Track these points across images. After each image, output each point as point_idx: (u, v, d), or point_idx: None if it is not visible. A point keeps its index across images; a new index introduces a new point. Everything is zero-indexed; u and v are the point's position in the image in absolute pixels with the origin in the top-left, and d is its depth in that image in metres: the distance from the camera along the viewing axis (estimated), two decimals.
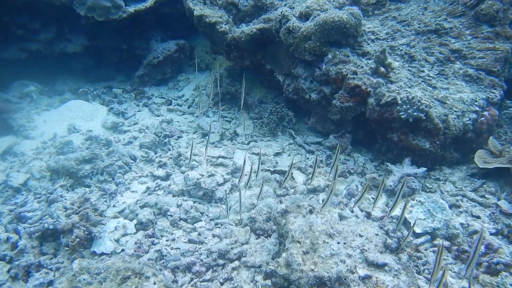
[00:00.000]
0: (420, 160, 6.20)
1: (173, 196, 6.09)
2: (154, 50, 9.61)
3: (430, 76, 6.59)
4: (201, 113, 8.51)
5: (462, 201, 5.72)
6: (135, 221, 5.57)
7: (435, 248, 5.00)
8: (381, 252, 4.31)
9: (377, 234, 4.52)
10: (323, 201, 5.76)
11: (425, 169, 6.08)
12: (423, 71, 6.64)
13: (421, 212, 5.30)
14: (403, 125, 6.07)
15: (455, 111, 6.15)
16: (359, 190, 5.99)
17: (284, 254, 4.19)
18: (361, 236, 4.41)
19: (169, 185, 6.28)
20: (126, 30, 9.58)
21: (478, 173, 6.17)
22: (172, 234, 5.41)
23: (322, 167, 6.74)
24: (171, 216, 5.65)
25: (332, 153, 6.94)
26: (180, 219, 5.63)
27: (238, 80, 8.46)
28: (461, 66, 6.71)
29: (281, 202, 5.65)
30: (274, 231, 5.23)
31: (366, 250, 4.00)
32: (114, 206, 6.00)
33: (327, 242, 4.12)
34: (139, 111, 8.78)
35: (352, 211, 5.63)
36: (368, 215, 5.48)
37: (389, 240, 4.74)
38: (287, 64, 7.32)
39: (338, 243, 4.12)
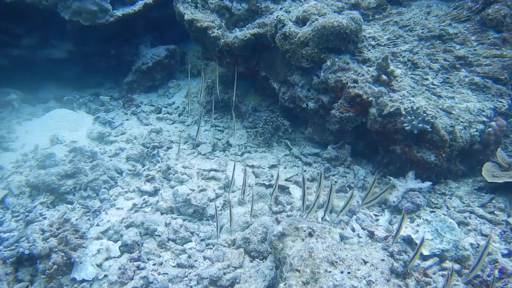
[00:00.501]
0: (425, 173, 5.84)
1: (161, 213, 5.68)
2: (143, 56, 9.20)
3: (434, 84, 6.23)
4: (192, 122, 8.10)
5: (470, 218, 5.35)
6: (119, 243, 5.14)
7: (445, 272, 4.62)
8: (388, 280, 3.92)
9: (383, 260, 4.13)
10: (322, 219, 5.37)
11: (430, 183, 5.72)
12: (427, 79, 6.28)
13: (428, 231, 4.92)
14: (407, 137, 5.70)
15: (462, 122, 5.79)
16: (361, 206, 5.60)
17: (282, 285, 3.79)
18: (365, 262, 4.01)
19: (157, 201, 5.86)
20: (114, 35, 9.17)
21: (485, 187, 5.81)
22: (160, 256, 5.00)
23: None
24: (159, 236, 5.24)
25: (331, 165, 6.55)
26: (169, 239, 5.22)
27: (232, 87, 8.05)
28: (466, 74, 6.35)
29: (277, 221, 5.26)
30: (270, 253, 4.83)
31: (373, 282, 3.61)
32: (97, 225, 5.58)
33: (330, 271, 3.72)
34: (127, 119, 8.36)
35: (353, 230, 5.25)
36: (371, 235, 5.09)
37: (395, 264, 4.35)
38: (283, 71, 6.93)
39: (342, 272, 3.72)
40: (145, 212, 5.76)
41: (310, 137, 7.08)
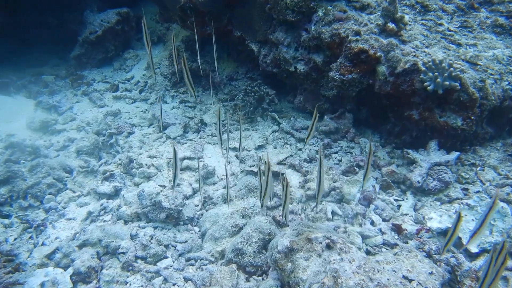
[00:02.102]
0: (448, 142, 4.74)
1: (125, 222, 4.42)
2: (90, 23, 7.68)
3: (451, 30, 5.05)
4: (156, 99, 6.74)
5: None
6: (70, 270, 3.87)
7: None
8: None
9: (431, 273, 3.02)
10: (332, 213, 4.21)
11: (458, 153, 4.65)
12: (441, 24, 5.09)
13: (473, 220, 3.82)
14: (426, 99, 4.55)
15: (491, 75, 4.65)
16: (378, 191, 4.46)
17: None
18: (410, 280, 2.89)
19: (119, 206, 4.59)
20: (53, 0, 7.59)
21: None
22: (126, 284, 3.77)
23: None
24: (124, 254, 4.00)
25: (330, 140, 5.36)
26: (137, 258, 3.99)
27: (200, 53, 6.67)
28: (488, 14, 5.20)
29: (275, 220, 4.08)
30: (270, 267, 3.68)
31: None
32: (43, 244, 4.29)
33: None
34: (77, 102, 6.92)
35: (372, 224, 4.11)
36: (398, 230, 3.96)
37: (438, 269, 3.25)
38: (262, 28, 5.62)
39: None
40: (104, 221, 4.49)
41: (301, 107, 5.86)
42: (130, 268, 3.89)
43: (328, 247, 3.11)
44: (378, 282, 2.68)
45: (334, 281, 2.74)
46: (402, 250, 3.28)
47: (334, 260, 2.92)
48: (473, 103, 4.45)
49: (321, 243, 3.12)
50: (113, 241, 4.06)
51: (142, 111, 6.47)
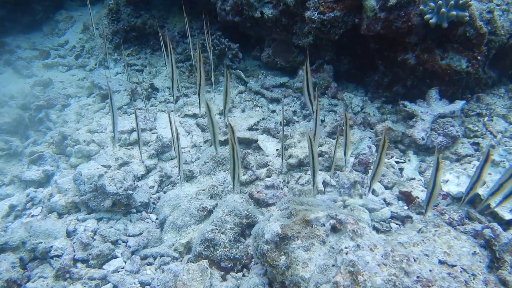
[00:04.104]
0: (449, 90, 3.98)
1: (59, 215, 3.43)
2: None
3: None
4: (96, 64, 5.65)
5: None
6: None
7: None
8: None
9: (474, 253, 2.23)
10: (324, 184, 3.36)
11: (463, 102, 3.92)
12: None
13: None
14: (425, 38, 3.77)
15: (498, 5, 3.88)
16: (375, 153, 3.65)
17: None
18: (452, 266, 2.09)
19: (51, 195, 3.58)
20: None
21: None
22: None
23: (297, 122, 4.33)
24: (58, 257, 3.03)
25: None
26: (76, 261, 3.03)
27: (145, 7, 5.63)
28: None
29: (252, 197, 3.21)
30: (251, 259, 2.82)
31: None
32: None
33: None
34: None
35: (373, 192, 3.31)
36: (408, 198, 3.16)
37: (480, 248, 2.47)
38: None
39: None
40: (32, 216, 3.49)
41: (270, 61, 4.94)
42: (67, 275, 2.94)
43: (334, 229, 2.26)
44: (418, 277, 1.86)
45: (353, 279, 1.89)
46: (428, 225, 2.47)
47: (347, 248, 2.08)
48: (481, 39, 3.69)
49: (324, 225, 2.26)
50: (41, 242, 3.07)
51: (79, 79, 5.39)
